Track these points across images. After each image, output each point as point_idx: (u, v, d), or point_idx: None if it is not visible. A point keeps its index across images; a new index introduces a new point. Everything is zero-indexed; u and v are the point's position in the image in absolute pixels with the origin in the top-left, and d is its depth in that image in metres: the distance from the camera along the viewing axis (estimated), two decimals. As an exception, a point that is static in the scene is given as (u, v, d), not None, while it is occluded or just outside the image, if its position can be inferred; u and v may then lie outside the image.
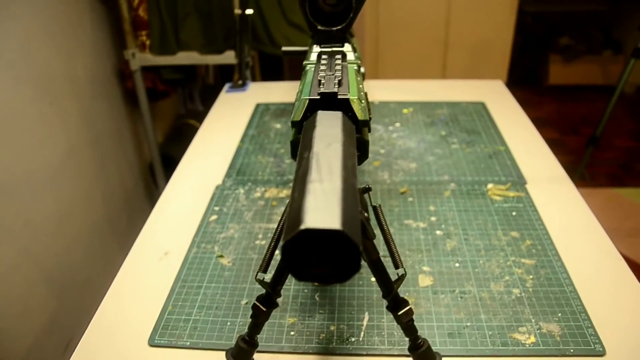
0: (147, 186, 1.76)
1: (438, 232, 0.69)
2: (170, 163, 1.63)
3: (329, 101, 0.42)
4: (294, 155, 0.43)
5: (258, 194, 0.79)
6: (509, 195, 0.76)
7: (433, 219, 0.71)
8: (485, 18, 2.88)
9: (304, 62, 0.55)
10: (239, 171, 0.85)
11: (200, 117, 1.69)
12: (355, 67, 0.53)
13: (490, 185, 0.77)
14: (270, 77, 1.73)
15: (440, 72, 3.02)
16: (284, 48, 0.71)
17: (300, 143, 0.38)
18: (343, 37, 0.56)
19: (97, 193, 1.43)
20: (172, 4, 1.39)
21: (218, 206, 0.77)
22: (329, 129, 0.38)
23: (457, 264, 0.63)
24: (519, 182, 0.79)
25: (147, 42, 1.44)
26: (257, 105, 1.08)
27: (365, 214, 0.46)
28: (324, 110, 0.42)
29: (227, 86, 1.17)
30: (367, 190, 0.50)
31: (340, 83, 0.44)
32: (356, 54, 0.61)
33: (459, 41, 2.93)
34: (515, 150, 0.87)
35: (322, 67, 0.48)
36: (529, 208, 0.73)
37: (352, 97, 0.42)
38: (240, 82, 1.16)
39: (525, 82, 3.17)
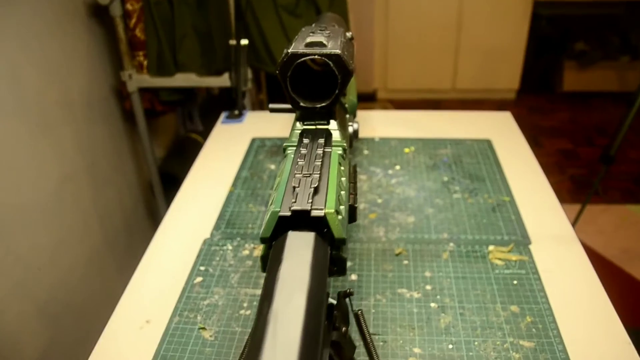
0: (147, 205, 1.73)
1: (432, 305, 0.65)
2: (171, 180, 1.60)
3: (302, 218, 0.38)
4: (264, 269, 0.39)
5: (246, 252, 0.75)
6: (511, 259, 0.71)
7: (428, 287, 0.67)
8: (498, 23, 2.80)
9: (285, 144, 0.51)
10: (229, 222, 0.81)
11: (203, 131, 1.66)
12: (340, 151, 0.49)
13: (491, 247, 0.73)
14: (277, 95, 1.69)
15: (451, 79, 2.97)
16: (271, 106, 0.67)
17: (265, 282, 0.34)
18: (329, 113, 0.51)
19: (94, 218, 1.40)
20: (169, 25, 1.35)
21: (204, 266, 0.73)
22: (296, 268, 0.34)
23: (450, 346, 0.59)
24: (523, 242, 0.74)
25: (145, 63, 1.40)
26: (253, 141, 1.04)
27: (344, 328, 0.43)
28: (296, 227, 0.38)
29: (223, 116, 1.13)
30: (349, 295, 0.46)
31: (316, 190, 0.40)
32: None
33: (470, 47, 2.87)
34: (521, 201, 0.82)
35: (300, 162, 0.44)
36: (531, 276, 0.68)
37: (329, 210, 0.38)
38: (236, 112, 1.12)
39: (538, 89, 3.09)
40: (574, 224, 1.91)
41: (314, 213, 0.38)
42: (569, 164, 2.44)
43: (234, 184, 0.90)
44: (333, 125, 0.51)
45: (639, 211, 2.12)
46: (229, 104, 1.22)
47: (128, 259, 1.53)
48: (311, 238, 0.37)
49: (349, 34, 0.58)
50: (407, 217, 0.80)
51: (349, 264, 0.71)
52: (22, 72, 1.11)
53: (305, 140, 0.48)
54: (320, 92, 0.51)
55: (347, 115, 0.64)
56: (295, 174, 0.42)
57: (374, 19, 2.86)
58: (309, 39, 0.49)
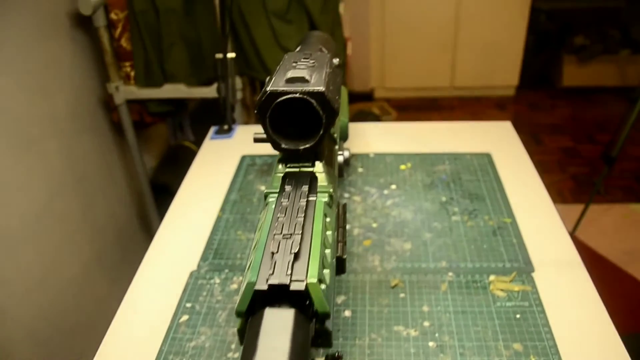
0: (140, 216, 1.69)
1: (431, 344, 0.61)
2: (164, 190, 1.56)
3: (280, 292, 0.34)
4: (242, 342, 0.35)
5: (234, 286, 0.71)
6: (514, 290, 0.67)
7: (426, 324, 0.63)
8: (496, 18, 2.75)
9: (266, 190, 0.47)
10: (216, 252, 0.77)
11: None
12: (326, 198, 0.45)
13: (492, 277, 0.69)
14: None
15: (449, 76, 2.92)
16: (256, 135, 0.63)
17: None
18: (313, 155, 0.47)
19: (84, 234, 1.36)
20: (156, 34, 1.31)
21: (190, 302, 0.69)
22: (272, 353, 0.30)
23: (451, 392, 0.55)
24: (526, 269, 0.70)
25: (132, 74, 1.36)
26: (243, 158, 1.00)
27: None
28: (274, 301, 0.34)
29: (212, 131, 1.09)
30: (338, 358, 0.42)
31: (297, 255, 0.36)
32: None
33: (468, 43, 2.82)
34: (523, 222, 0.78)
35: (280, 218, 0.40)
36: (535, 308, 0.64)
37: (311, 281, 0.34)
38: (225, 127, 1.08)
39: (538, 84, 3.05)
40: (576, 225, 1.88)
41: (294, 286, 0.34)
42: (570, 162, 2.40)
43: (222, 208, 0.86)
44: (318, 167, 0.47)
45: (642, 210, 2.09)
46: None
47: (121, 272, 1.50)
48: (290, 317, 0.33)
49: (335, 61, 0.54)
50: (403, 244, 0.76)
51: (342, 298, 0.68)
52: (4, 86, 1.07)
53: (287, 188, 0.44)
54: (304, 130, 0.47)
55: (337, 145, 0.60)
56: (275, 234, 0.38)
57: (370, 16, 2.81)
58: (290, 74, 0.45)
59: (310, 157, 0.47)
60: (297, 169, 0.47)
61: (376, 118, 2.45)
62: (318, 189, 0.45)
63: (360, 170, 0.94)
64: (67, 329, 1.28)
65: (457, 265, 0.72)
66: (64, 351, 1.26)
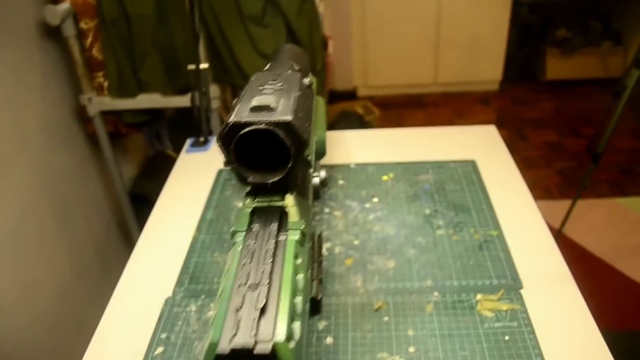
0: (120, 228, 1.65)
1: (418, 373, 0.58)
2: (144, 201, 1.52)
3: (245, 355, 0.31)
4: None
5: (211, 312, 0.68)
6: (502, 309, 0.65)
7: (412, 349, 0.61)
8: (478, 12, 2.73)
9: (233, 228, 0.43)
10: (192, 277, 0.74)
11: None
12: (298, 236, 0.41)
13: (479, 296, 0.66)
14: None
15: (432, 73, 2.90)
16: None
17: None
18: (283, 187, 0.44)
19: (62, 251, 1.32)
20: (128, 42, 1.27)
21: (165, 332, 0.66)
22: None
23: None
24: (514, 286, 0.68)
25: (105, 84, 1.32)
26: (219, 173, 0.96)
27: None
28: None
29: (188, 143, 1.05)
30: None
31: (264, 310, 0.33)
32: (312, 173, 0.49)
33: (451, 39, 2.80)
34: (510, 234, 0.76)
35: (246, 265, 0.37)
36: (524, 329, 0.62)
37: (278, 341, 0.31)
38: (201, 139, 1.04)
39: (521, 78, 3.04)
40: (563, 222, 1.86)
41: (259, 349, 0.31)
42: (555, 157, 2.39)
43: (199, 228, 0.83)
44: (289, 200, 0.44)
45: (627, 204, 2.08)
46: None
47: (103, 288, 1.45)
48: None
49: (306, 80, 0.50)
50: (386, 262, 0.73)
51: (323, 324, 0.65)
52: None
53: (255, 227, 0.41)
54: (273, 160, 0.43)
55: (311, 168, 0.56)
56: (240, 285, 0.35)
57: (351, 14, 2.77)
58: (254, 101, 0.42)
59: (280, 189, 0.44)
60: (266, 203, 0.44)
61: (360, 117, 2.42)
62: (289, 226, 0.42)
63: (340, 182, 0.91)
64: (45, 352, 1.24)
65: (442, 284, 0.69)
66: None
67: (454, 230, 0.78)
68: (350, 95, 3.03)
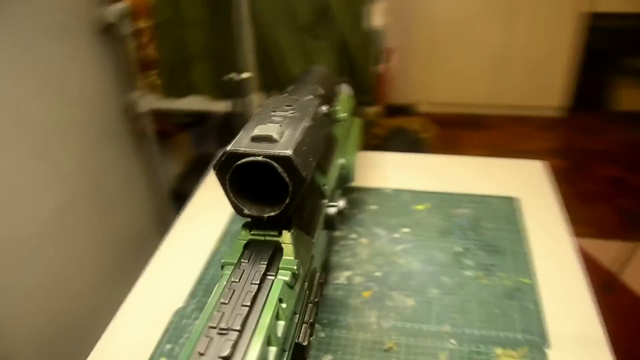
0: (160, 224, 1.68)
1: None
2: (185, 200, 1.53)
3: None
4: None
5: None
6: (523, 368, 0.59)
7: (418, 401, 0.56)
8: (549, 35, 2.61)
9: (223, 260, 0.41)
10: (207, 289, 0.73)
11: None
12: (287, 277, 0.39)
13: (499, 350, 0.61)
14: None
15: (496, 94, 2.80)
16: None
17: None
18: (280, 224, 0.42)
19: (100, 243, 1.35)
20: (181, 44, 1.28)
21: (171, 343, 0.65)
22: None
23: None
24: (539, 343, 0.62)
25: (157, 83, 1.34)
26: (252, 184, 0.95)
27: None
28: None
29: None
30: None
31: (235, 345, 0.31)
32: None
33: (517, 60, 2.69)
34: (544, 284, 0.70)
35: (223, 304, 0.35)
36: (546, 394, 0.56)
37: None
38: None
39: (590, 107, 2.88)
40: (622, 267, 1.74)
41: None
42: (617, 194, 2.25)
43: (222, 240, 0.82)
44: (286, 237, 0.41)
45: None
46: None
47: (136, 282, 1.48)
48: None
49: (324, 108, 0.48)
50: (406, 299, 0.69)
51: (329, 357, 0.61)
52: (20, 92, 1.06)
53: (244, 262, 0.39)
54: (273, 192, 0.41)
55: (325, 199, 0.53)
56: (210, 327, 0.33)
57: (415, 27, 2.72)
58: (257, 130, 0.39)
59: (277, 225, 0.41)
60: (261, 237, 0.41)
61: (414, 134, 2.37)
62: (281, 265, 0.39)
63: (372, 207, 0.87)
64: (77, 338, 1.27)
65: (461, 330, 0.64)
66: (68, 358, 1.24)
67: (484, 273, 0.72)
68: (409, 110, 2.97)
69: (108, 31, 1.28)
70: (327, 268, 0.70)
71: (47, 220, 1.16)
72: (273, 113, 0.44)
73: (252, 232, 0.42)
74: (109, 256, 1.38)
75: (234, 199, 0.40)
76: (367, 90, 1.44)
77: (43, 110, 1.13)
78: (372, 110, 2.33)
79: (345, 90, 0.77)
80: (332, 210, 0.56)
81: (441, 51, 2.75)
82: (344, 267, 0.75)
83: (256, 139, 0.39)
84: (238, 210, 0.41)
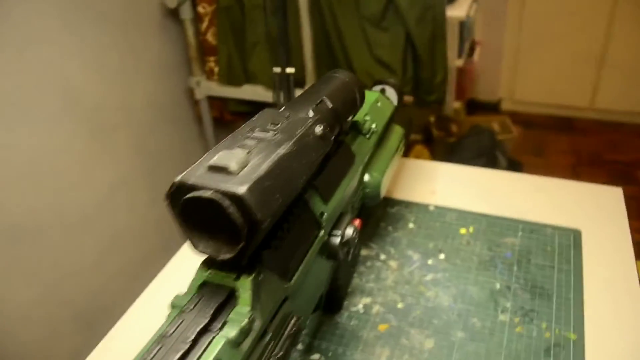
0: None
1: None
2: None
3: None
4: None
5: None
6: None
7: None
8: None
9: (173, 299, 0.36)
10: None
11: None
12: (234, 333, 0.33)
13: (524, 420, 0.52)
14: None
15: (589, 96, 2.55)
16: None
17: None
18: (239, 266, 0.36)
19: (150, 223, 1.36)
20: (240, 31, 1.24)
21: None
22: None
23: None
24: (576, 418, 0.52)
25: (216, 69, 1.32)
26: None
27: None
28: None
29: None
30: None
31: None
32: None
33: (616, 61, 2.43)
34: (592, 343, 0.59)
35: (152, 349, 0.30)
36: None
37: None
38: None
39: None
40: None
41: None
42: None
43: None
44: (244, 284, 0.35)
45: None
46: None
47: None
48: None
49: (318, 129, 0.41)
50: (425, 340, 0.61)
51: (326, 399, 0.55)
52: (79, 73, 1.08)
53: (190, 308, 0.34)
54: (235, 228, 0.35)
55: (321, 230, 0.47)
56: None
57: (507, 19, 2.53)
58: (216, 158, 0.34)
59: (235, 268, 0.35)
60: (217, 279, 0.36)
61: (492, 135, 2.20)
62: (230, 316, 0.34)
63: (410, 226, 0.79)
64: (116, 315, 1.29)
65: (483, 388, 0.56)
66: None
67: (521, 320, 0.63)
68: (492, 107, 2.78)
69: (170, 16, 1.27)
70: (340, 294, 0.64)
71: (100, 196, 1.18)
72: (250, 134, 0.38)
73: (209, 272, 0.36)
74: (156, 235, 1.39)
75: (186, 234, 0.35)
76: (434, 89, 1.34)
77: (103, 91, 1.14)
78: (449, 105, 2.21)
79: (382, 98, 0.69)
80: (335, 241, 0.49)
81: (532, 46, 2.54)
82: (365, 292, 0.68)
83: (213, 168, 0.33)
84: (192, 246, 0.35)
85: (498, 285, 0.68)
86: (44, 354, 1.13)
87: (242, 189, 0.31)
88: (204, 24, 1.25)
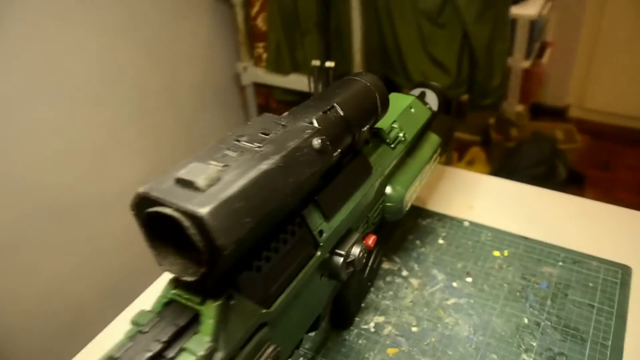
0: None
1: None
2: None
3: None
4: None
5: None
6: None
7: None
8: None
9: (133, 317, 0.33)
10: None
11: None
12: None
13: None
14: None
15: (668, 110, 2.35)
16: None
17: None
18: (203, 291, 0.32)
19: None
20: (291, 18, 1.21)
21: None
22: None
23: None
24: None
25: (264, 56, 1.29)
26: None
27: None
28: None
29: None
30: None
31: None
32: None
33: None
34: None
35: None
36: None
37: None
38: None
39: None
40: None
41: None
42: None
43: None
44: (208, 310, 0.32)
45: None
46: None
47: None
48: None
49: (316, 143, 0.37)
50: (436, 373, 0.56)
51: None
52: (125, 53, 1.07)
53: (147, 327, 0.31)
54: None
55: (317, 251, 0.42)
56: None
57: (584, 21, 2.36)
58: (185, 171, 0.30)
59: (201, 291, 0.32)
60: (184, 299, 0.32)
61: (553, 144, 2.07)
62: (187, 345, 0.30)
63: (440, 241, 0.74)
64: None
65: None
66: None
67: (548, 363, 0.56)
68: (559, 113, 2.62)
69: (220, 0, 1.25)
70: (349, 310, 0.59)
71: (140, 176, 1.18)
72: (236, 142, 0.34)
73: (176, 290, 0.33)
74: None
75: (151, 248, 0.31)
76: (489, 93, 1.25)
77: (149, 73, 1.14)
78: (511, 108, 2.10)
79: (416, 103, 0.63)
80: (337, 261, 0.45)
81: (609, 51, 2.36)
82: (379, 309, 0.63)
83: (180, 181, 0.30)
84: (157, 262, 0.32)
85: (526, 320, 0.61)
86: (73, 324, 1.15)
87: (203, 210, 0.28)
88: (255, 9, 1.22)
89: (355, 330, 0.61)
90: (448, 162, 2.03)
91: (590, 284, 0.66)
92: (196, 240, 0.28)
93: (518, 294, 0.65)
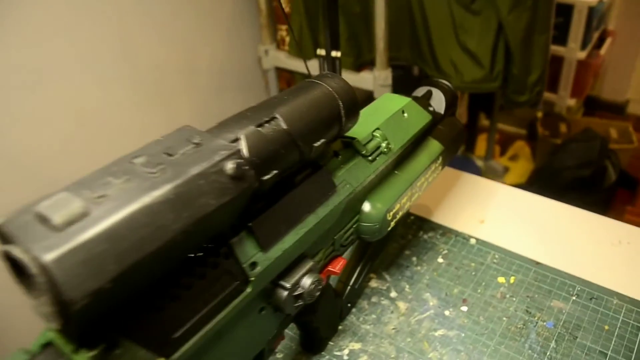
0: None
1: None
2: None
3: None
4: None
5: None
6: None
7: None
8: None
9: (10, 356, 0.29)
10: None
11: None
12: None
13: None
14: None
15: None
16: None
17: None
18: (79, 335, 0.27)
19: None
20: (316, 1, 1.13)
21: None
22: None
23: None
24: None
25: (287, 39, 1.22)
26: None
27: None
28: None
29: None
30: None
31: None
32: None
33: None
34: None
35: None
36: None
37: None
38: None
39: None
40: None
41: None
42: None
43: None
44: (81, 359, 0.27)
45: None
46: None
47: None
48: None
49: (229, 167, 0.31)
50: (407, 418, 0.49)
51: None
52: (143, 38, 1.04)
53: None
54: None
55: (247, 286, 0.36)
56: None
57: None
58: (44, 204, 0.26)
59: (74, 338, 0.27)
60: (62, 344, 0.28)
61: (604, 144, 1.91)
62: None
63: (439, 260, 0.66)
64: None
65: None
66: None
67: (540, 420, 0.49)
68: (617, 109, 2.43)
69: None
70: (319, 335, 0.53)
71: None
72: (128, 165, 0.29)
73: (55, 332, 0.28)
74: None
75: (20, 286, 0.27)
76: (525, 89, 1.14)
77: (164, 52, 1.10)
78: (562, 102, 1.96)
79: (412, 106, 0.56)
80: (281, 294, 0.39)
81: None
82: (357, 335, 0.57)
83: (39, 216, 0.25)
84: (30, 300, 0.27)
85: (523, 363, 0.54)
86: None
87: (48, 257, 0.22)
88: (278, -11, 1.16)
89: (327, 357, 0.55)
90: (487, 158, 1.92)
91: (606, 326, 0.57)
92: (43, 290, 0.23)
93: (518, 331, 0.57)
